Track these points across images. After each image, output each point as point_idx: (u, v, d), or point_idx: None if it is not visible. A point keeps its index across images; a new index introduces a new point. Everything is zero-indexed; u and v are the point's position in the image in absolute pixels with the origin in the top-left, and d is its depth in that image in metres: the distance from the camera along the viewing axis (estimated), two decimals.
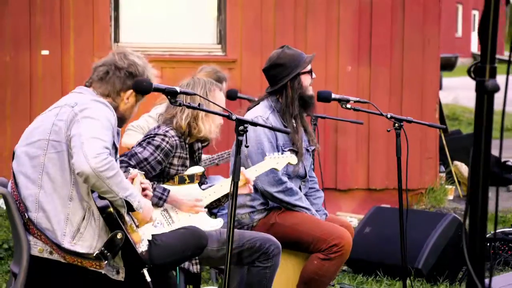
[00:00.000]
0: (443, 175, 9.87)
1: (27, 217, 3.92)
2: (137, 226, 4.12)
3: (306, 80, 5.37)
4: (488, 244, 6.68)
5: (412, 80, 9.06)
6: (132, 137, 6.05)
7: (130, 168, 4.47)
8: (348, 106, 5.28)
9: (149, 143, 4.68)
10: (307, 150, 5.48)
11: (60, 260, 3.91)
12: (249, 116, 5.25)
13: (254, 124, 4.41)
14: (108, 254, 3.89)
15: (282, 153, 5.09)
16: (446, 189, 9.51)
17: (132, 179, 4.15)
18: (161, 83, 4.31)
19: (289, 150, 5.26)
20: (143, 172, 4.43)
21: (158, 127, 4.79)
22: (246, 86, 8.55)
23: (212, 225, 4.79)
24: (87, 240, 3.90)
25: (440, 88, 12.36)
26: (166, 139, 4.70)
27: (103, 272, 3.93)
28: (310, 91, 5.39)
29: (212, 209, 5.09)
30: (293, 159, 5.10)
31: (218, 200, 4.89)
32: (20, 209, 3.95)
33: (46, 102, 4.17)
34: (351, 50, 8.96)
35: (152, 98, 5.93)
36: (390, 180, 8.97)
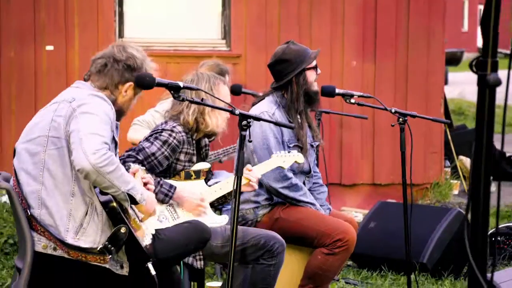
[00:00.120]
0: (448, 170, 9.85)
1: (30, 214, 3.92)
2: (141, 220, 4.12)
3: (311, 75, 5.36)
4: (493, 238, 6.67)
5: (417, 75, 9.05)
6: (138, 132, 6.06)
7: (131, 164, 4.47)
8: (352, 101, 5.27)
9: (156, 138, 4.67)
10: (311, 146, 5.48)
11: (64, 255, 3.91)
12: (254, 111, 5.24)
13: (257, 118, 4.41)
14: (112, 248, 3.88)
15: (288, 152, 5.08)
16: (451, 184, 9.49)
17: (133, 175, 4.14)
18: (165, 78, 4.30)
19: (294, 145, 5.26)
20: (144, 168, 4.43)
21: (166, 122, 4.79)
22: (250, 81, 8.55)
23: (217, 221, 4.77)
24: (90, 235, 3.90)
25: (446, 83, 12.34)
26: (174, 134, 4.69)
27: (107, 266, 3.93)
28: (315, 87, 5.38)
29: (218, 205, 5.08)
30: (300, 157, 5.08)
31: (224, 197, 4.88)
32: (23, 205, 3.94)
33: (51, 98, 4.17)
34: (356, 46, 8.95)
35: (158, 93, 5.94)
36: (395, 175, 8.95)
